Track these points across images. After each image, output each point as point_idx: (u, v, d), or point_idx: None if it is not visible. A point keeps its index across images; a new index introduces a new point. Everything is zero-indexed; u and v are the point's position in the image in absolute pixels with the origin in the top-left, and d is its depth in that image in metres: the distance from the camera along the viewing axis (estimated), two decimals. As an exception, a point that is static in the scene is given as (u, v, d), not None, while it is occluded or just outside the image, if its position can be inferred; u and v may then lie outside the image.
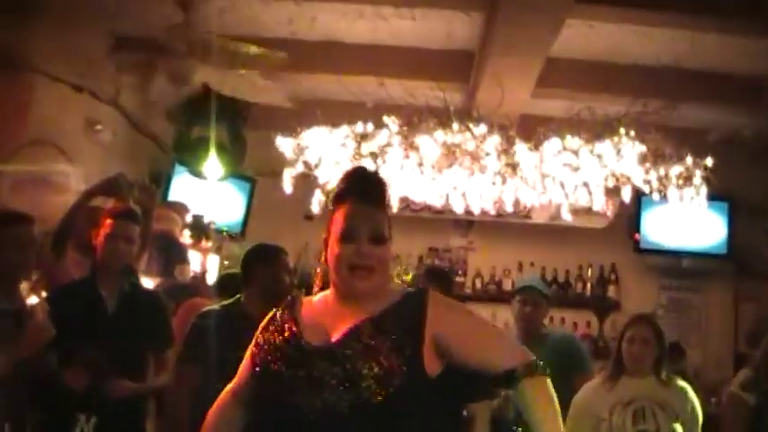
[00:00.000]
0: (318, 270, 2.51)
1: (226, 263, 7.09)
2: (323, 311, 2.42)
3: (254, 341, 2.45)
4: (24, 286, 4.13)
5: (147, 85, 6.12)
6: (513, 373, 2.28)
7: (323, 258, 2.46)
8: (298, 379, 2.27)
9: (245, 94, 6.24)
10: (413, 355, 2.26)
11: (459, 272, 8.75)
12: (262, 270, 4.27)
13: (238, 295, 4.40)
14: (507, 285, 8.52)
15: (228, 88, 6.00)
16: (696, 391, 4.43)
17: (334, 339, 2.31)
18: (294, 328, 2.39)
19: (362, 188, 2.43)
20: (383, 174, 5.88)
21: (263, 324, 2.49)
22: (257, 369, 2.37)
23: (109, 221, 4.07)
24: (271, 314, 2.51)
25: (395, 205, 6.48)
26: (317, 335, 2.35)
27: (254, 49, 5.95)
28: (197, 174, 7.21)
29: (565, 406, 4.32)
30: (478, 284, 8.73)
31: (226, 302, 4.42)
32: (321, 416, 2.20)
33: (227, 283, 5.18)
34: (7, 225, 3.79)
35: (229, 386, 2.52)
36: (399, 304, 2.38)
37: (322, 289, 2.50)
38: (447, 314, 2.38)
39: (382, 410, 2.20)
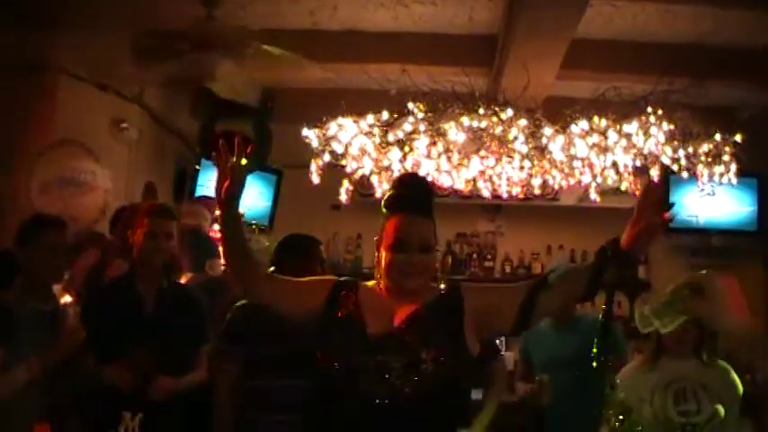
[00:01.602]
0: (376, 271, 2.73)
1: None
2: (380, 302, 2.66)
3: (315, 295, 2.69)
4: (57, 287, 4.17)
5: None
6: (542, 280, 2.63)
7: (376, 259, 2.72)
8: (365, 364, 2.51)
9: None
10: (459, 338, 2.59)
11: (488, 257, 8.74)
12: (295, 262, 4.26)
13: None
14: (537, 269, 8.53)
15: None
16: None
17: (394, 327, 2.59)
18: (358, 316, 2.64)
19: (413, 199, 2.69)
20: (411, 161, 5.95)
21: (323, 290, 2.70)
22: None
23: (146, 220, 4.08)
24: (331, 280, 2.77)
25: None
26: (379, 324, 2.60)
27: (275, 51, 5.94)
28: (223, 168, 7.21)
29: (602, 387, 4.33)
30: (507, 269, 8.73)
31: None
32: (387, 397, 2.46)
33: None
34: (40, 230, 3.84)
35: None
36: (442, 297, 2.69)
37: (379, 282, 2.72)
38: (474, 291, 2.74)
39: (438, 389, 2.49)
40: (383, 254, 2.65)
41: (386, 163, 6.04)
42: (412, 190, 2.73)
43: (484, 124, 5.71)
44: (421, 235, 2.64)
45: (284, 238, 4.45)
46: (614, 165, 6.15)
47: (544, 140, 5.84)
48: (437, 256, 2.76)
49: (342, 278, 2.78)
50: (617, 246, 2.50)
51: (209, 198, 7.08)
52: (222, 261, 6.20)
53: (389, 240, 2.63)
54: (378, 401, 2.46)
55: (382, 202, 2.74)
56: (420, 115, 5.80)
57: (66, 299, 4.27)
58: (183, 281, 5.28)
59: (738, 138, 6.29)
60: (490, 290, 3.04)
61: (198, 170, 7.74)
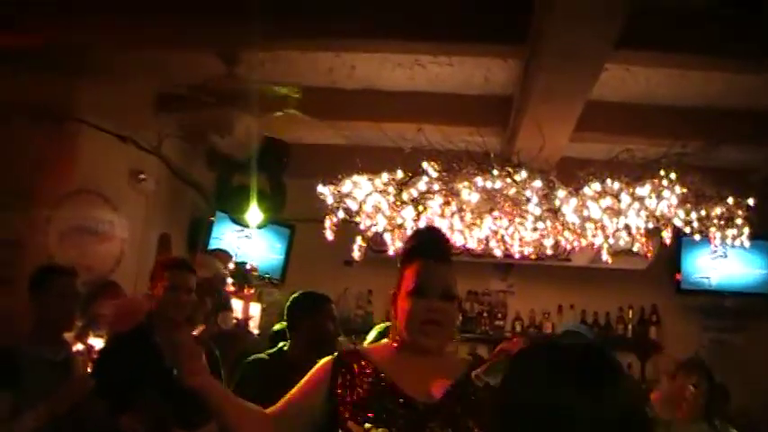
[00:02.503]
0: (391, 326, 2.64)
1: (263, 307, 7.11)
2: (399, 366, 2.50)
3: (326, 389, 2.48)
4: (70, 336, 4.21)
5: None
6: None
7: (392, 313, 2.60)
8: None
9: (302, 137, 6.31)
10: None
11: (499, 315, 8.73)
12: (308, 319, 4.30)
13: (281, 344, 4.43)
14: (547, 328, 8.51)
15: (278, 130, 6.08)
16: (744, 436, 4.36)
17: (437, 397, 2.42)
18: (391, 383, 2.45)
19: (432, 246, 2.58)
20: (424, 220, 5.98)
21: (324, 371, 2.53)
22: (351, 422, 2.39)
23: (167, 273, 4.13)
24: (327, 363, 2.56)
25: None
26: (417, 390, 2.43)
27: (277, 90, 6.02)
28: (238, 221, 7.30)
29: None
30: (518, 328, 8.71)
31: (271, 351, 4.44)
32: None
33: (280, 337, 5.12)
34: (50, 278, 3.90)
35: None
36: (470, 368, 2.50)
37: (395, 341, 2.58)
38: None
39: None
40: (401, 304, 2.51)
41: (399, 221, 6.07)
42: (430, 237, 2.67)
43: (498, 185, 5.75)
44: (443, 280, 2.50)
45: (297, 296, 4.48)
46: (627, 227, 6.17)
47: (557, 202, 5.87)
48: (457, 309, 2.68)
49: (336, 354, 2.59)
50: None
51: (223, 251, 7.16)
52: (233, 314, 6.29)
53: (409, 286, 2.48)
54: None
55: (399, 256, 2.67)
56: (434, 174, 5.84)
57: (79, 347, 4.32)
58: (195, 333, 5.31)
59: (751, 201, 6.31)
60: None
61: (212, 222, 7.82)
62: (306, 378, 2.59)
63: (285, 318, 4.47)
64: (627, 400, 1.47)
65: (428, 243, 2.60)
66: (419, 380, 2.45)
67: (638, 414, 1.53)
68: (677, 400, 4.29)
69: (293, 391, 2.57)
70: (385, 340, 2.68)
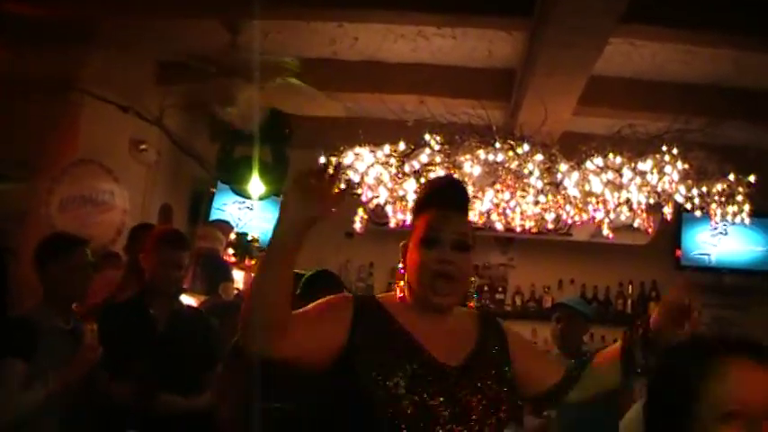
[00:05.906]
0: (401, 282, 2.39)
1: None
2: (419, 324, 2.30)
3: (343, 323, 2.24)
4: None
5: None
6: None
7: (401, 266, 2.39)
8: (440, 405, 2.16)
9: (304, 109, 6.30)
10: (513, 377, 2.34)
11: (500, 289, 8.75)
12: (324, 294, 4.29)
13: None
14: (547, 303, 8.50)
15: (280, 102, 6.07)
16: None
17: (462, 360, 2.27)
18: (418, 345, 2.25)
19: (446, 195, 2.40)
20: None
21: (345, 310, 2.27)
22: (370, 382, 2.15)
23: (160, 247, 4.10)
24: (346, 302, 2.32)
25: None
26: (441, 351, 2.26)
27: (275, 59, 5.99)
28: (240, 192, 7.30)
29: (611, 425, 4.32)
30: (518, 302, 8.73)
31: None
32: None
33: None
34: (63, 249, 3.85)
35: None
36: (486, 327, 2.42)
37: (405, 296, 2.38)
38: (520, 342, 2.48)
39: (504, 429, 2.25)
40: (411, 255, 2.33)
41: (401, 193, 6.08)
42: (445, 186, 2.48)
43: (500, 158, 5.75)
44: (456, 229, 2.30)
45: (317, 272, 4.47)
46: (628, 202, 6.17)
47: (559, 176, 5.87)
48: (472, 261, 2.38)
49: (354, 297, 2.38)
50: (642, 331, 2.35)
51: (225, 222, 7.17)
52: (234, 285, 6.29)
53: (420, 236, 2.31)
54: None
55: (413, 205, 2.51)
56: (436, 147, 5.83)
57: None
58: (195, 303, 5.32)
59: (752, 178, 6.30)
60: (535, 353, 2.65)
61: (214, 193, 7.81)
62: (325, 310, 2.30)
63: (300, 287, 4.47)
64: None
65: (443, 191, 2.41)
66: (441, 340, 2.28)
67: None
68: None
69: (309, 315, 2.25)
70: (393, 293, 2.41)
